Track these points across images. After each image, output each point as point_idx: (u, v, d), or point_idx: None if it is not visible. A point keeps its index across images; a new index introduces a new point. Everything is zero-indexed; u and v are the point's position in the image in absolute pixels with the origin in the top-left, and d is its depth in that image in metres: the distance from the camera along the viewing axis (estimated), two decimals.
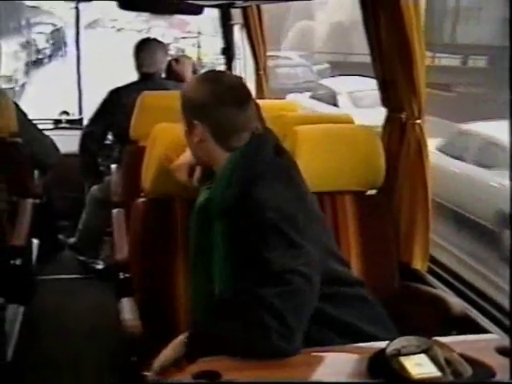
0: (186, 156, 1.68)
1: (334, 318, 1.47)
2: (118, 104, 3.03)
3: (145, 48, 3.15)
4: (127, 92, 3.00)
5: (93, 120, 3.25)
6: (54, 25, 18.85)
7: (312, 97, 9.78)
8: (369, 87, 7.22)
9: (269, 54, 3.61)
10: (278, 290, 1.32)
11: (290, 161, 1.57)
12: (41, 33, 17.74)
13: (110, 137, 3.33)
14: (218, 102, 1.49)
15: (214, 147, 1.52)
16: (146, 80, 3.06)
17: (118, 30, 26.22)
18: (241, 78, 1.58)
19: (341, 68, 12.14)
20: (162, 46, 3.24)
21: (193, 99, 1.52)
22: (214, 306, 1.46)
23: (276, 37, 13.53)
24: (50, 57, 18.17)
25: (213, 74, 1.61)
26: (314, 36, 17.21)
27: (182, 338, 1.39)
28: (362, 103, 8.32)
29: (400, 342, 1.21)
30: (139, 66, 3.15)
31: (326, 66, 13.99)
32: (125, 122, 2.74)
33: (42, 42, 17.66)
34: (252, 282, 1.36)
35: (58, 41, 18.53)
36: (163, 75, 3.28)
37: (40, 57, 17.34)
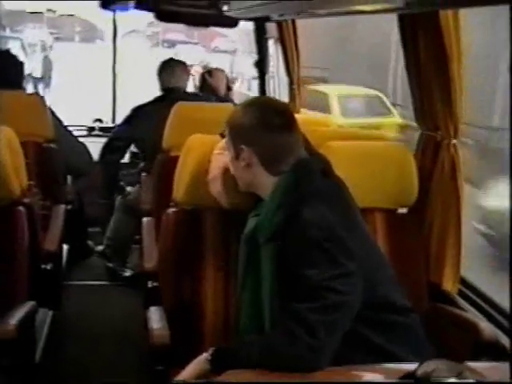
0: (218, 168, 1.70)
1: (378, 345, 1.45)
2: (144, 118, 3.11)
3: (168, 67, 3.29)
4: (154, 107, 3.10)
5: (116, 132, 3.34)
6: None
7: None
8: None
9: None
10: (312, 305, 1.34)
11: (339, 182, 1.58)
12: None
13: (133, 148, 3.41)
14: (266, 127, 1.52)
15: (261, 172, 1.54)
16: (171, 94, 3.15)
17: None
18: (287, 104, 1.59)
19: None
20: (183, 65, 3.36)
21: (240, 124, 1.56)
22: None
23: None
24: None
25: (260, 100, 1.66)
26: None
27: (206, 355, 1.41)
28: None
29: (430, 365, 1.19)
30: (163, 81, 3.26)
31: None
32: (150, 135, 2.80)
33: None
34: (293, 298, 1.37)
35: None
36: (188, 90, 3.38)
37: None
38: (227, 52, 19.81)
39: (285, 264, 1.44)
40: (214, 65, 4.32)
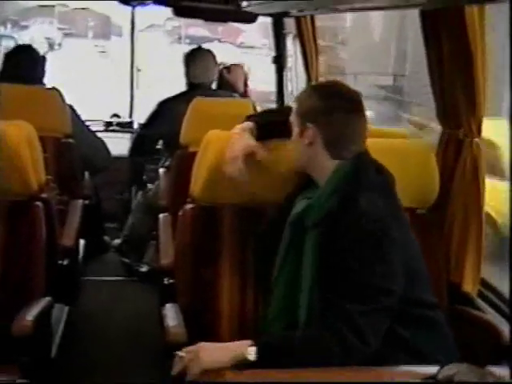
0: (241, 147, 1.69)
1: (407, 341, 1.46)
2: (168, 114, 3.07)
3: (196, 58, 3.18)
4: (177, 102, 3.04)
5: (145, 125, 3.30)
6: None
7: None
8: None
9: None
10: (363, 308, 1.35)
11: (392, 179, 1.60)
12: None
13: (160, 143, 3.37)
14: (336, 107, 1.54)
15: (322, 152, 1.55)
16: (196, 90, 3.07)
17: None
18: (357, 91, 1.64)
19: None
20: (213, 56, 3.25)
21: (309, 103, 1.58)
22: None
23: None
24: None
25: (332, 83, 1.68)
26: None
27: (248, 343, 1.36)
28: None
29: (452, 369, 1.17)
30: (189, 76, 3.16)
31: None
32: (174, 131, 2.77)
33: None
34: (339, 293, 1.38)
35: None
36: (213, 85, 3.30)
37: None
38: (254, 47, 19.20)
39: (330, 253, 1.44)
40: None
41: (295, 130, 1.60)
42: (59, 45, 18.35)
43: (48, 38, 15.37)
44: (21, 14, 19.06)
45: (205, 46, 3.47)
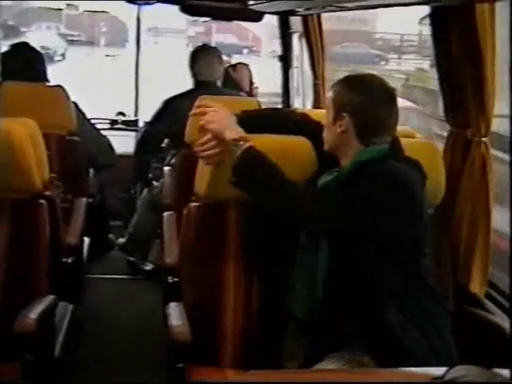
0: (224, 116, 1.73)
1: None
2: (173, 112, 3.05)
3: (202, 56, 3.15)
4: (182, 100, 3.02)
5: (150, 123, 3.29)
6: None
7: None
8: None
9: None
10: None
11: (424, 175, 1.66)
12: None
13: (165, 142, 3.36)
14: (372, 98, 1.62)
15: (353, 140, 1.63)
16: (202, 88, 3.05)
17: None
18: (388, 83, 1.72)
19: None
20: (219, 54, 3.23)
21: (345, 93, 1.65)
22: None
23: None
24: None
25: (367, 74, 1.76)
26: None
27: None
28: None
29: (459, 371, 1.15)
30: (196, 74, 3.14)
31: None
32: (179, 129, 2.75)
33: None
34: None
35: None
36: (219, 83, 3.28)
37: None
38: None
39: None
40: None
41: (329, 116, 1.67)
42: (62, 55, 16.28)
43: (46, 48, 11.51)
44: (20, 18, 16.83)
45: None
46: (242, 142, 1.63)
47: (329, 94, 1.70)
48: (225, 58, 3.43)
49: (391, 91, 1.67)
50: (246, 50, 18.28)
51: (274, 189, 1.59)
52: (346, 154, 1.65)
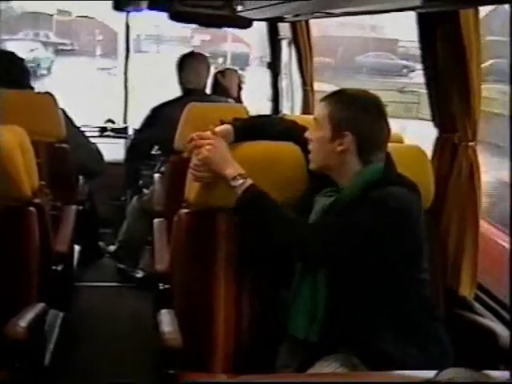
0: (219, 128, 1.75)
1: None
2: (163, 119, 3.05)
3: (188, 63, 3.16)
4: (171, 108, 3.03)
5: (139, 131, 3.29)
6: None
7: None
8: None
9: None
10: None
11: (419, 193, 1.66)
12: None
13: (155, 148, 3.36)
14: (371, 115, 1.59)
15: (353, 159, 1.59)
16: (190, 96, 3.05)
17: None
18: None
19: None
20: (206, 61, 3.25)
21: (347, 110, 1.59)
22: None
23: None
24: None
25: (360, 91, 1.68)
26: None
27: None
28: None
29: (448, 373, 1.16)
30: (183, 81, 3.15)
31: None
32: (169, 136, 2.76)
33: None
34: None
35: None
36: (207, 90, 3.29)
37: None
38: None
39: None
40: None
41: (325, 134, 1.60)
42: (48, 69, 14.09)
43: (27, 62, 7.07)
44: (4, 24, 12.68)
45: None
46: (240, 180, 1.64)
47: (321, 110, 1.63)
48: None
49: (382, 105, 1.64)
50: (257, 61, 15.80)
51: (275, 225, 1.60)
52: (342, 173, 1.61)
